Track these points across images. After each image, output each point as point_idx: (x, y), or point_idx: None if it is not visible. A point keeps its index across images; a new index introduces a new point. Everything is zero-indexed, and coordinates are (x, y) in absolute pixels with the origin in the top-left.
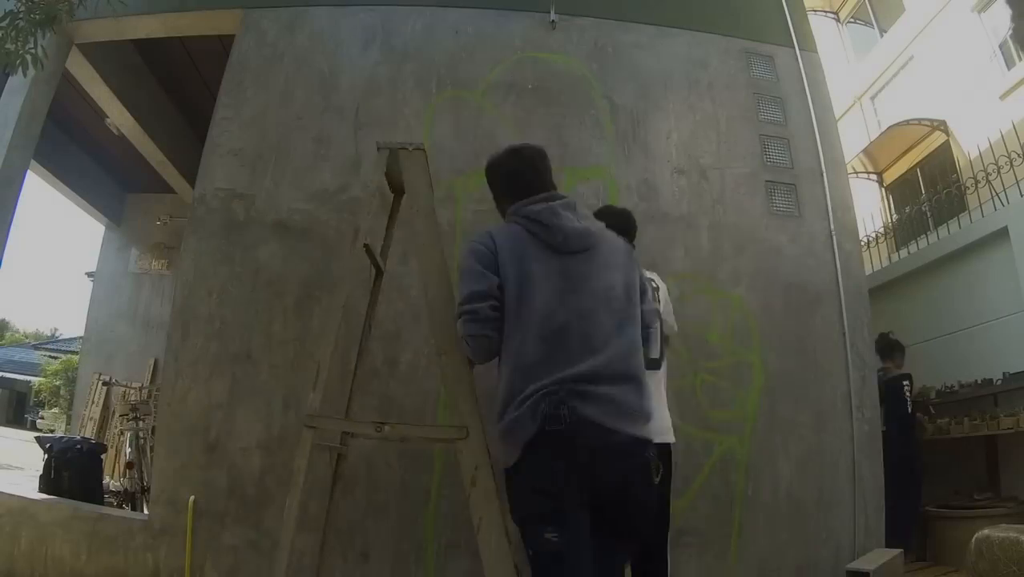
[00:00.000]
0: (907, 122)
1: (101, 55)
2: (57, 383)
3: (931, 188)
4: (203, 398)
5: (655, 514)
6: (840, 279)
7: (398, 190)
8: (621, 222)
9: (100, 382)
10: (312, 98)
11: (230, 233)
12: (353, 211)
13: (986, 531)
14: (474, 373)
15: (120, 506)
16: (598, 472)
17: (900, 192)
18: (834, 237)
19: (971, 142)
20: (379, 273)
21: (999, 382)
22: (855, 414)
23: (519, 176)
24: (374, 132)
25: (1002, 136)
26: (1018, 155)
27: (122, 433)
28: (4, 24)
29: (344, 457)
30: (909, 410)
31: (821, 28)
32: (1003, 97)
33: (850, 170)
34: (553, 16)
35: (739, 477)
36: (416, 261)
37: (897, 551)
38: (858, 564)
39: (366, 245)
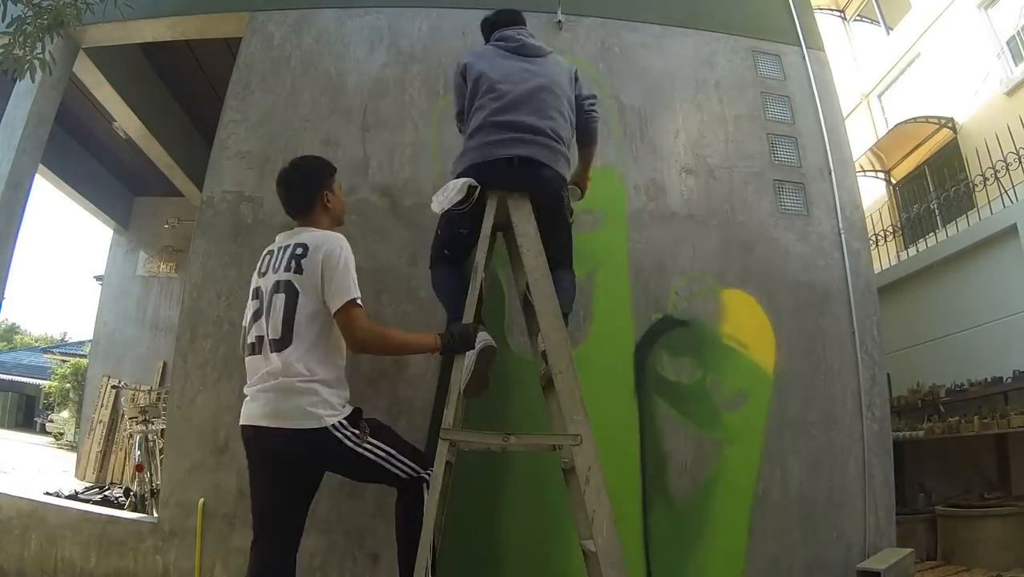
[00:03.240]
0: (914, 120)
1: (108, 59)
2: (66, 386)
3: (939, 186)
4: (212, 400)
5: None
6: (849, 278)
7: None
8: None
9: (109, 385)
10: (319, 100)
11: (238, 235)
12: (361, 213)
13: None
14: None
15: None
16: None
17: (908, 190)
18: (843, 236)
19: (979, 139)
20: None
21: (1009, 380)
22: (865, 413)
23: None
24: (381, 134)
25: (1010, 133)
26: None
27: (131, 436)
28: (12, 30)
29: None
30: None
31: (828, 26)
32: (1010, 93)
33: (858, 168)
34: (560, 16)
35: (749, 476)
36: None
37: (908, 550)
38: (869, 564)
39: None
